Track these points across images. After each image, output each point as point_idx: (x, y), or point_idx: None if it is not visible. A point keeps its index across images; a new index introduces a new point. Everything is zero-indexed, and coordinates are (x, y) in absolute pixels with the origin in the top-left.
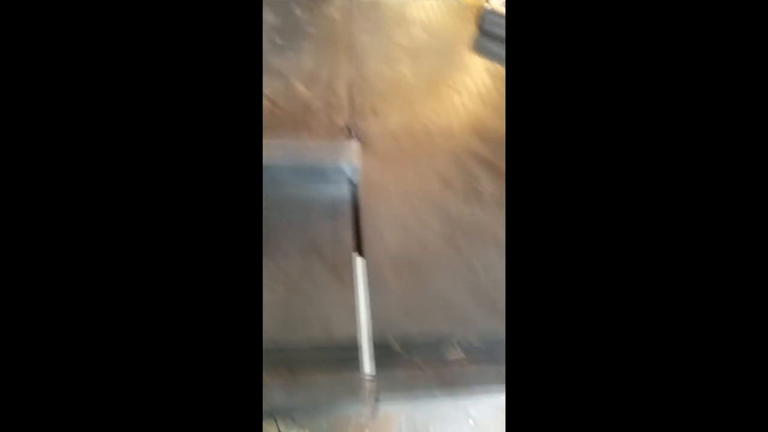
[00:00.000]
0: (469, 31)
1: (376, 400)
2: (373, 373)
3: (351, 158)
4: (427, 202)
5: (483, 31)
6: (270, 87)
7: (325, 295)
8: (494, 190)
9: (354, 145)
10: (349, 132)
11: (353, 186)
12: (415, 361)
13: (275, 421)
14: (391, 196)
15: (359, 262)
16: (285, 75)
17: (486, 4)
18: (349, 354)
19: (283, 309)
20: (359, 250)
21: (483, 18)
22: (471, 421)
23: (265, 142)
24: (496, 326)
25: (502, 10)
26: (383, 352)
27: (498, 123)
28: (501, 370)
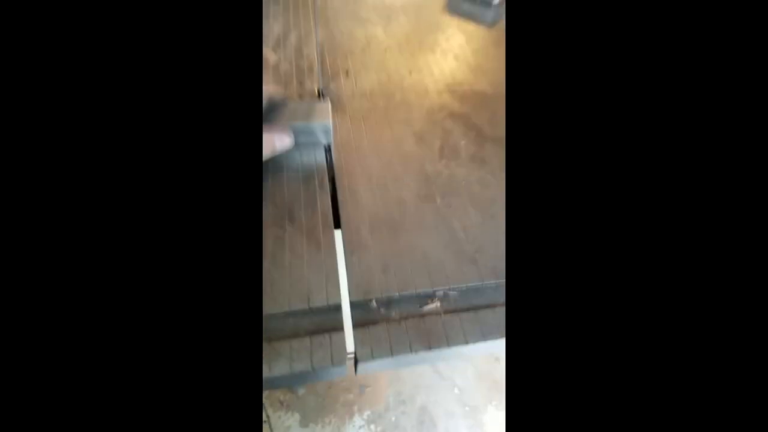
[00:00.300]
0: None
1: (357, 360)
2: (352, 333)
3: (324, 118)
4: (402, 159)
5: None
6: None
7: (303, 261)
8: (469, 145)
9: (326, 106)
10: (321, 95)
11: (327, 147)
12: (393, 317)
13: (263, 406)
14: (366, 156)
15: (337, 229)
16: None
17: None
18: (329, 320)
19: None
20: (336, 212)
21: None
22: (456, 390)
23: None
24: (474, 277)
25: None
26: (363, 313)
27: (471, 79)
28: (478, 318)
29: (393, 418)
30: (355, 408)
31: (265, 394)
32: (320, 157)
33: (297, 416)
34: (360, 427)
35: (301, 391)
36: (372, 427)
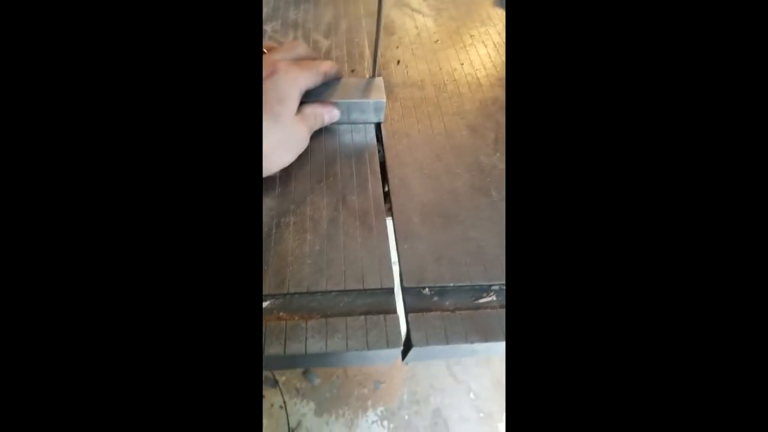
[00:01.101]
0: None
1: (411, 345)
2: (407, 318)
3: (378, 95)
4: (455, 151)
5: None
6: (289, 37)
7: (357, 243)
8: None
9: (380, 82)
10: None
11: (378, 126)
12: (447, 306)
13: (280, 391)
14: (417, 144)
15: (389, 221)
16: (304, 26)
17: None
18: (383, 301)
19: (311, 253)
20: (387, 198)
21: None
22: (471, 395)
23: None
24: None
25: None
26: (418, 300)
27: None
28: None
29: (406, 417)
30: (369, 403)
31: (282, 380)
32: (371, 136)
33: (312, 405)
34: (373, 422)
35: (317, 381)
36: (385, 423)
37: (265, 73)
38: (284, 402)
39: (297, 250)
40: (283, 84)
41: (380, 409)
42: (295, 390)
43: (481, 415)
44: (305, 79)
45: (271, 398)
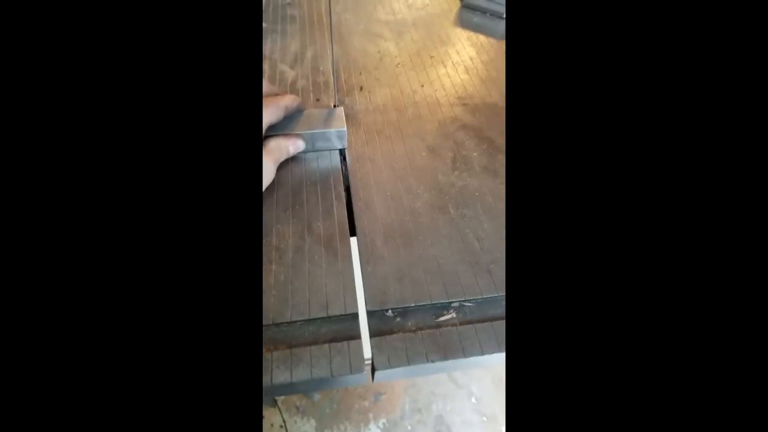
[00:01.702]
0: (450, 4)
1: (374, 368)
2: (369, 342)
3: (339, 124)
4: (415, 171)
5: (464, 4)
6: None
7: (322, 271)
8: (481, 156)
9: (340, 112)
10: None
11: (342, 152)
12: (409, 327)
13: (279, 410)
14: (380, 167)
15: (353, 240)
16: (271, 57)
17: None
18: (347, 328)
19: (277, 284)
20: (351, 222)
21: None
22: (473, 399)
23: None
24: (489, 288)
25: None
26: (380, 323)
27: (484, 93)
28: (494, 329)
29: (409, 427)
30: (371, 415)
31: (281, 399)
32: (336, 161)
33: (313, 422)
34: None
35: (317, 397)
36: None
37: None
38: (284, 421)
39: (263, 282)
40: None
41: (382, 421)
42: (295, 408)
43: (484, 419)
44: (268, 115)
45: (270, 418)
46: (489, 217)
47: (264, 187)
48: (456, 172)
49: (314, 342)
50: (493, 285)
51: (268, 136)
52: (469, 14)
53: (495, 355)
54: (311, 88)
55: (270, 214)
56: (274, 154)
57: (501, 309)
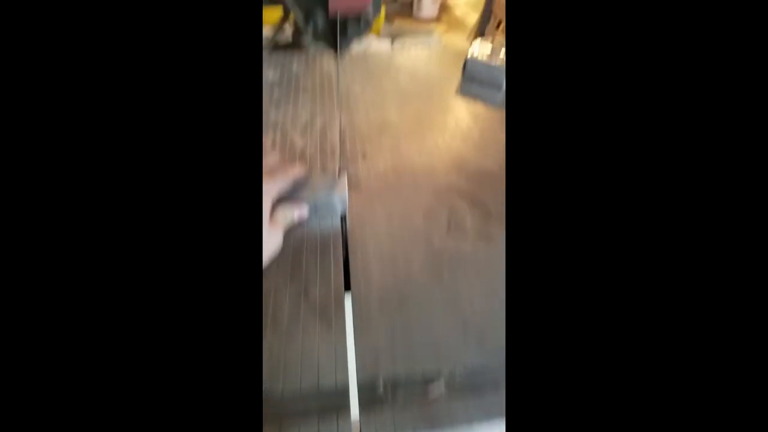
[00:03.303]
0: (451, 75)
1: None
2: (359, 421)
3: (341, 191)
4: (411, 236)
5: (466, 76)
6: (268, 137)
7: (315, 342)
8: (475, 222)
9: (343, 180)
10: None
11: (342, 222)
12: (399, 401)
13: None
14: (378, 233)
15: (348, 305)
16: (282, 126)
17: (469, 54)
18: (337, 401)
19: (270, 356)
20: (347, 284)
21: (466, 65)
22: None
23: None
24: (481, 359)
25: (482, 57)
26: (369, 395)
27: (479, 159)
28: (483, 400)
29: None
30: None
31: None
32: (336, 224)
33: None
34: None
35: None
36: None
37: None
38: None
39: None
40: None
41: None
42: None
43: None
44: (276, 187)
45: None
46: (482, 282)
47: (271, 256)
48: (451, 238)
49: (303, 414)
50: (483, 353)
51: (275, 204)
52: (468, 84)
53: (484, 427)
54: (318, 155)
55: (269, 280)
56: (280, 224)
57: (491, 377)
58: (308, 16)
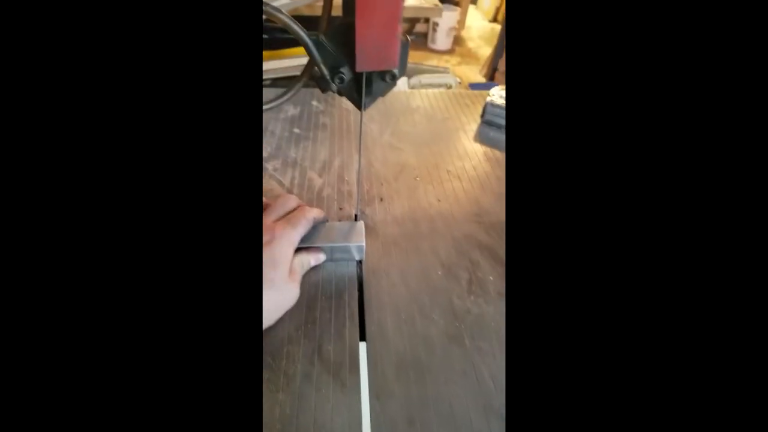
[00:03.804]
0: (470, 117)
1: None
2: None
3: (358, 239)
4: (430, 291)
5: (485, 120)
6: (287, 175)
7: (329, 404)
8: (497, 280)
9: (361, 227)
10: (356, 218)
11: (359, 266)
12: None
13: None
14: (394, 283)
15: (363, 366)
16: (301, 164)
17: (488, 98)
18: None
19: (282, 416)
20: (362, 332)
21: (485, 110)
22: None
23: None
24: None
25: (501, 102)
26: None
27: (498, 210)
28: None
29: None
30: None
31: None
32: (352, 270)
33: None
34: None
35: None
36: None
37: (263, 240)
38: None
39: (267, 414)
40: (279, 249)
41: None
42: None
43: None
44: (298, 234)
45: None
46: (502, 348)
47: (287, 308)
48: (472, 297)
49: None
50: (501, 428)
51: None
52: (486, 129)
53: None
54: (335, 197)
55: (282, 332)
56: (297, 274)
57: None
58: (333, 71)
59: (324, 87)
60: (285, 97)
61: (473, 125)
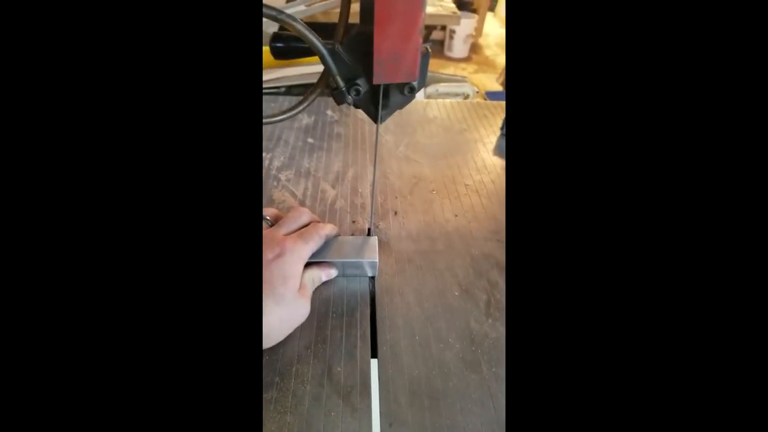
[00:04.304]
0: (489, 130)
1: None
2: None
3: (371, 255)
4: (446, 313)
5: (503, 132)
6: (300, 186)
7: (336, 424)
8: None
9: (374, 242)
10: (370, 233)
11: (372, 283)
12: None
13: None
14: (408, 303)
15: (375, 389)
16: (315, 175)
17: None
18: None
19: None
20: (374, 348)
21: (504, 121)
22: None
23: None
24: None
25: None
26: None
27: None
28: None
29: None
30: None
31: None
32: (364, 287)
33: None
34: None
35: None
36: None
37: (273, 254)
38: None
39: None
40: (290, 263)
41: None
42: None
43: None
44: (310, 249)
45: None
46: None
47: (297, 325)
48: (490, 320)
49: None
50: None
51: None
52: (503, 142)
53: None
54: (348, 209)
55: (292, 350)
56: (308, 290)
57: None
58: (349, 82)
59: (339, 99)
60: (299, 108)
61: (492, 137)
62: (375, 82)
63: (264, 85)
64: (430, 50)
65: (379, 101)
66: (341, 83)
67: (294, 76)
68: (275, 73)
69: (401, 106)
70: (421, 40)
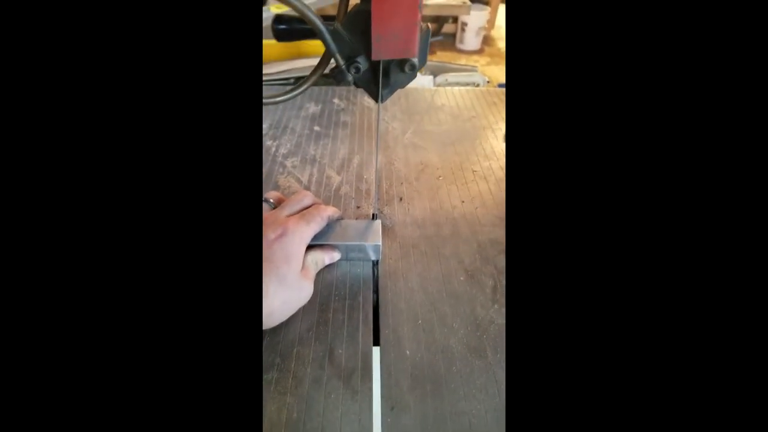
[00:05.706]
0: (498, 117)
1: None
2: None
3: (375, 239)
4: (451, 299)
5: None
6: (306, 172)
7: (338, 412)
8: None
9: (377, 226)
10: (374, 218)
11: (375, 267)
12: None
13: None
14: (412, 288)
15: (376, 373)
16: (320, 162)
17: None
18: None
19: (290, 420)
20: (376, 337)
21: None
22: None
23: None
24: None
25: None
26: None
27: None
28: None
29: None
30: None
31: None
32: (368, 272)
33: None
34: None
35: None
36: None
37: (275, 234)
38: None
39: (274, 416)
40: (291, 243)
41: None
42: None
43: None
44: (312, 230)
45: None
46: None
47: (300, 306)
48: (496, 306)
49: None
50: None
51: (307, 248)
52: None
53: None
54: (353, 195)
55: (293, 332)
56: (311, 271)
57: None
58: (350, 60)
59: (340, 79)
60: (300, 90)
61: (501, 124)
62: (374, 58)
63: (273, 77)
64: (430, 27)
65: (379, 79)
66: (341, 61)
67: (303, 68)
68: (284, 65)
69: (403, 84)
70: (419, 16)
